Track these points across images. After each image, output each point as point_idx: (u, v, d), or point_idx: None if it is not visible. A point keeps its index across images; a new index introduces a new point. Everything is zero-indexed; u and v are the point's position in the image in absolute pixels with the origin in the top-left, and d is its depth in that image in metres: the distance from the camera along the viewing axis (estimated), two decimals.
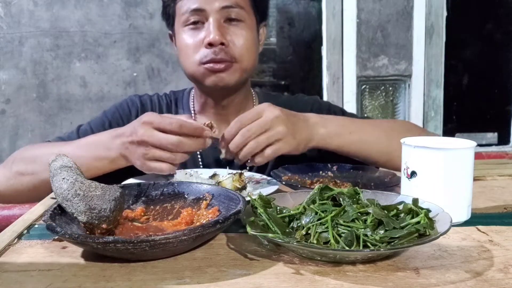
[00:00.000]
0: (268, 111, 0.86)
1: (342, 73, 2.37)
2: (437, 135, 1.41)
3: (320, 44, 2.41)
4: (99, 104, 2.26)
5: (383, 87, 2.46)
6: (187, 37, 1.03)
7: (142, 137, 0.82)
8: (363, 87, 2.45)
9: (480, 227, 0.68)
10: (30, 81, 2.23)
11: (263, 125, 0.84)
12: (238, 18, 1.03)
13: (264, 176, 0.93)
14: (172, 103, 1.18)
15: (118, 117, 1.11)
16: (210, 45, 1.00)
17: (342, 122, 0.98)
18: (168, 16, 1.10)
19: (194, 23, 1.02)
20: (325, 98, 2.35)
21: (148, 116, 0.84)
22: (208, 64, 1.01)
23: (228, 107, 1.11)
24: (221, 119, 1.10)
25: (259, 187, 0.86)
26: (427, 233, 0.57)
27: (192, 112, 1.15)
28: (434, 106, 2.45)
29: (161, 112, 1.15)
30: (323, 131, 0.93)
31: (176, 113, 1.15)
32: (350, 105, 2.39)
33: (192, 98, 1.16)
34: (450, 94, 2.48)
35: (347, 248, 0.55)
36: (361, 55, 2.38)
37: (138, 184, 0.75)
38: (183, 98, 1.18)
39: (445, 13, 2.39)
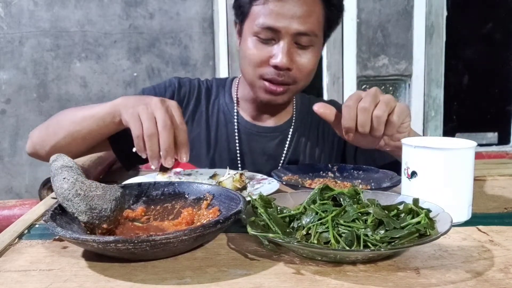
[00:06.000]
0: (374, 89, 0.85)
1: (342, 73, 2.37)
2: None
3: None
4: None
5: (383, 87, 2.46)
6: (254, 47, 1.02)
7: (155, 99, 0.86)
8: (363, 87, 2.45)
9: (480, 227, 0.68)
10: (31, 81, 2.23)
11: (373, 94, 0.82)
12: (308, 45, 1.02)
13: (265, 176, 0.93)
14: (212, 88, 1.20)
15: (153, 95, 1.11)
16: (276, 67, 1.00)
17: None
18: (241, 12, 1.07)
19: (265, 39, 1.01)
20: (325, 98, 2.35)
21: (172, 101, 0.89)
22: (268, 83, 1.03)
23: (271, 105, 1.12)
24: (261, 109, 1.15)
25: (260, 187, 0.86)
26: (428, 233, 0.57)
27: (235, 99, 1.18)
28: (434, 106, 2.45)
29: (199, 95, 1.18)
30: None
31: (216, 98, 1.19)
32: None
33: (236, 86, 1.19)
34: (450, 94, 2.48)
35: (347, 248, 0.55)
36: (361, 55, 2.38)
37: (139, 184, 0.75)
38: (225, 85, 1.21)
39: (445, 13, 2.38)
